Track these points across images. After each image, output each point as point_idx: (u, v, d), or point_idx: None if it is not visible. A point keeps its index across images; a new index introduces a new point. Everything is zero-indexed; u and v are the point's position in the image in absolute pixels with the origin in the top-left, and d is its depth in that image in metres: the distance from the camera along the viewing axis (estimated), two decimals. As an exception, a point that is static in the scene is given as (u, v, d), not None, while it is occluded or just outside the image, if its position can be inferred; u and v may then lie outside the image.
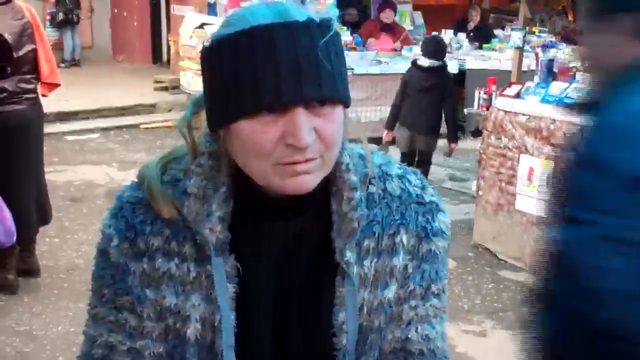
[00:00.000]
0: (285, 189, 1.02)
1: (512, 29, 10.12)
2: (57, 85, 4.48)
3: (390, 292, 1.14)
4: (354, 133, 1.15)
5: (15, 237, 3.88)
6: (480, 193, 5.29)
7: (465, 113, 6.87)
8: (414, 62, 6.30)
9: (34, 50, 4.21)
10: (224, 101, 1.00)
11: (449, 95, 6.13)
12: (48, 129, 8.68)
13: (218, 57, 1.00)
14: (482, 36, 10.35)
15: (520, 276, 4.92)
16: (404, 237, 1.14)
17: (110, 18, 14.40)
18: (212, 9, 10.06)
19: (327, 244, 1.11)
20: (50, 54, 4.39)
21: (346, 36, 9.55)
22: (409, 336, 1.17)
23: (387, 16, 9.54)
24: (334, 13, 1.02)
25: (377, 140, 8.57)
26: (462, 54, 9.61)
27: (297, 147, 0.97)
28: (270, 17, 0.98)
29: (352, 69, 8.49)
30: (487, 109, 5.55)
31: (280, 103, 0.96)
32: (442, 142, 8.84)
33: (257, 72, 0.96)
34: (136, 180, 1.14)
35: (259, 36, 0.96)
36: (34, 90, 4.29)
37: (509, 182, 5.01)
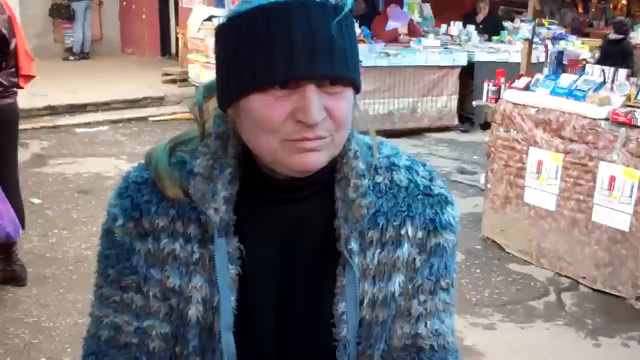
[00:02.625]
0: (292, 166, 1.01)
1: (521, 21, 10.12)
2: (33, 77, 4.51)
3: (395, 285, 1.13)
4: (363, 124, 1.15)
5: (21, 231, 3.89)
6: (489, 186, 5.27)
7: (474, 105, 6.83)
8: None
9: (16, 44, 4.24)
10: (237, 76, 1.00)
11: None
12: (58, 121, 8.75)
13: (234, 32, 1.00)
14: (491, 28, 10.31)
15: (529, 269, 4.92)
16: (409, 229, 1.12)
17: (119, 10, 14.41)
18: (220, 2, 10.07)
19: (331, 232, 1.10)
20: (26, 46, 4.43)
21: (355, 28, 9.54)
22: (419, 331, 1.16)
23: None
24: None
25: (384, 133, 8.57)
26: (470, 46, 9.58)
27: (307, 123, 0.97)
28: None
29: (361, 61, 8.43)
30: (496, 102, 5.52)
31: (293, 78, 0.97)
32: (450, 135, 8.86)
33: (272, 48, 0.96)
34: (143, 161, 1.15)
35: (276, 13, 0.97)
36: (17, 84, 4.33)
37: (518, 175, 4.99)
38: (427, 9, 11.31)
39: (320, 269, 1.11)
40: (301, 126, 0.98)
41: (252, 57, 0.98)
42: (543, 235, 4.90)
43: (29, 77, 4.45)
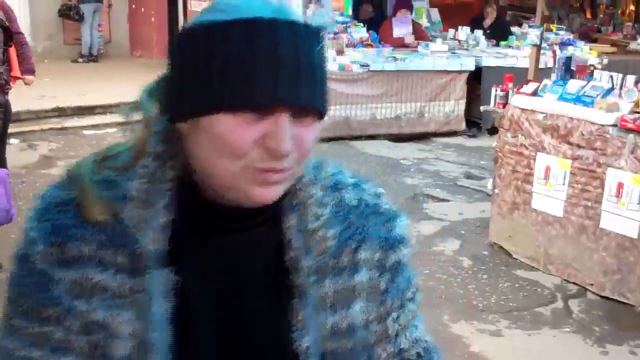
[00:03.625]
0: (250, 196, 0.94)
1: (529, 26, 10.10)
2: (19, 78, 4.53)
3: (356, 311, 1.08)
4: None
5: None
6: (496, 191, 5.26)
7: (482, 110, 6.81)
8: None
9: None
10: (205, 90, 0.91)
11: None
12: (66, 123, 8.77)
13: (206, 41, 0.91)
14: (498, 33, 10.29)
15: (536, 276, 4.90)
16: (366, 253, 1.08)
17: (128, 13, 14.44)
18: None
19: (281, 262, 1.03)
20: (14, 48, 4.44)
21: (362, 32, 9.55)
22: (402, 346, 1.15)
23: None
24: (328, 18, 0.98)
25: (391, 137, 8.58)
26: (478, 51, 9.57)
27: (277, 153, 0.91)
28: (270, 12, 0.92)
29: (368, 65, 8.49)
30: (504, 107, 5.51)
31: (275, 104, 0.90)
32: (458, 140, 8.84)
33: (255, 67, 0.88)
34: (64, 178, 1.03)
35: (262, 29, 0.89)
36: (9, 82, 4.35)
37: (525, 181, 4.98)
38: (435, 13, 11.30)
39: (272, 303, 1.04)
40: (269, 155, 0.91)
41: (228, 72, 0.89)
42: (550, 242, 4.89)
43: (16, 78, 4.48)
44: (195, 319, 1.01)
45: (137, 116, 1.01)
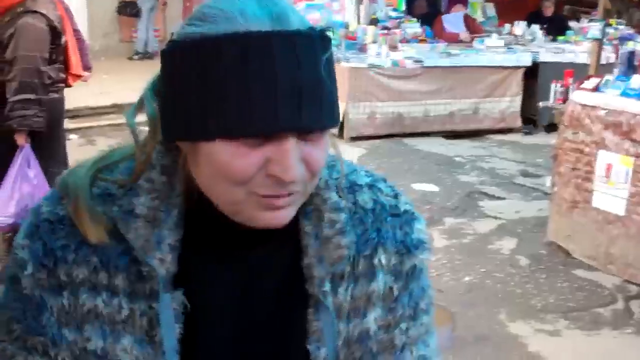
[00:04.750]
0: (257, 222, 0.88)
1: (590, 20, 9.88)
2: (80, 76, 4.56)
3: (371, 320, 1.01)
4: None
5: None
6: (555, 189, 5.16)
7: (540, 106, 6.69)
8: None
9: (66, 42, 4.30)
10: (200, 114, 0.83)
11: None
12: (123, 119, 8.89)
13: (198, 60, 0.82)
14: (556, 28, 10.11)
15: (595, 276, 4.79)
16: (382, 257, 1.01)
17: (183, 11, 14.60)
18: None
19: (297, 271, 0.96)
20: (75, 46, 4.47)
21: (416, 28, 9.48)
22: None
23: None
24: (328, 20, 0.91)
25: (445, 134, 8.50)
26: (535, 46, 9.41)
27: (284, 180, 0.83)
28: (266, 22, 0.82)
29: (422, 61, 8.42)
30: (564, 103, 5.40)
31: (274, 131, 0.81)
32: (513, 137, 8.72)
33: (251, 91, 0.80)
34: (57, 190, 0.94)
35: (255, 47, 0.80)
36: (65, 80, 4.38)
37: (586, 179, 4.87)
38: (491, 8, 11.16)
39: (286, 314, 0.98)
40: (274, 181, 0.84)
41: (222, 96, 0.81)
42: (611, 241, 4.77)
43: (77, 77, 4.52)
44: (207, 339, 0.95)
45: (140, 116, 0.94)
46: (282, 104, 0.80)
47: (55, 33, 4.16)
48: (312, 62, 0.82)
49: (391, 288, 1.02)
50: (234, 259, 0.95)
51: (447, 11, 9.83)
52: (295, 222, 0.95)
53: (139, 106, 0.94)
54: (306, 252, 0.96)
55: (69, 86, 4.50)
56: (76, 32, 5.20)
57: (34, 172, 4.01)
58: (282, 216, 0.88)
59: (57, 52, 4.20)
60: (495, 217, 5.86)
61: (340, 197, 0.98)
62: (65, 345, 0.92)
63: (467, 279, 4.69)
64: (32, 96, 3.98)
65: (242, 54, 0.80)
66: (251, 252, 0.96)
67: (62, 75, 4.31)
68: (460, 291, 4.51)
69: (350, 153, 7.15)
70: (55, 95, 4.23)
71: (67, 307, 0.91)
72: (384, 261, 1.01)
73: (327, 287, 0.96)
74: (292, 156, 0.82)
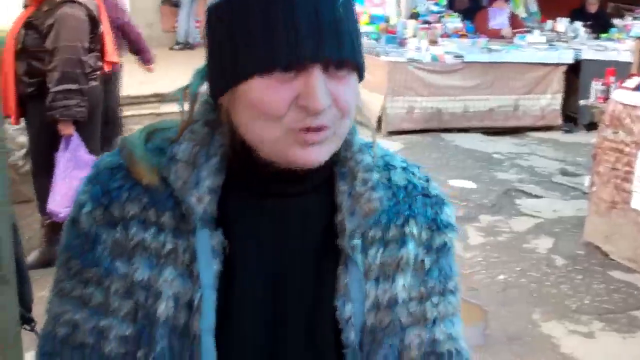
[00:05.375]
0: (293, 159, 0.94)
1: (634, 18, 9.73)
2: (115, 63, 4.61)
3: (400, 286, 1.06)
4: (363, 116, 1.06)
5: None
6: (594, 189, 5.10)
7: (581, 105, 6.61)
8: None
9: (102, 30, 4.36)
10: (235, 59, 0.93)
11: None
12: (163, 108, 9.00)
13: (229, 13, 0.93)
14: (599, 25, 9.96)
15: (633, 278, 4.73)
16: (414, 228, 1.07)
17: (223, 2, 14.69)
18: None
19: (330, 229, 1.03)
20: (110, 34, 4.54)
21: (457, 23, 9.41)
22: (436, 337, 1.10)
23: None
24: None
25: (483, 130, 8.44)
26: (577, 44, 9.29)
27: (312, 109, 0.90)
28: None
29: (462, 56, 8.36)
30: (605, 101, 5.34)
31: (298, 60, 0.90)
32: (553, 134, 8.62)
33: (274, 28, 0.90)
34: (117, 146, 1.06)
35: None
36: (102, 68, 4.43)
37: (625, 179, 4.81)
38: (533, 4, 11.02)
39: (319, 269, 1.03)
40: (305, 113, 0.91)
41: (251, 38, 0.91)
42: (650, 243, 4.71)
43: (111, 63, 4.58)
44: (242, 282, 1.00)
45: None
46: (304, 37, 0.89)
47: (94, 22, 4.22)
48: (329, 2, 0.91)
49: (422, 261, 1.08)
50: (272, 209, 1.02)
51: (489, 6, 9.73)
52: (332, 183, 1.04)
53: (186, 87, 1.04)
54: (340, 208, 1.03)
55: (105, 74, 4.57)
56: (128, 25, 5.32)
57: (88, 158, 4.08)
58: (316, 153, 0.94)
59: (95, 40, 4.27)
60: (533, 216, 5.82)
61: (372, 162, 1.05)
62: (117, 277, 1.00)
63: (501, 277, 4.67)
64: (74, 86, 4.05)
65: (267, 1, 0.90)
66: (289, 203, 1.03)
67: (100, 64, 4.37)
68: (495, 289, 4.49)
69: (388, 147, 7.11)
70: (94, 84, 4.30)
71: (119, 239, 0.99)
72: (415, 232, 1.07)
73: (358, 242, 1.02)
74: (317, 85, 0.90)
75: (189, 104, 1.02)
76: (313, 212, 1.04)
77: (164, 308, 0.98)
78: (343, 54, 0.92)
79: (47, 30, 4.04)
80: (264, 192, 1.02)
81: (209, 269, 0.97)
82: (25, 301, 2.06)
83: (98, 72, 4.35)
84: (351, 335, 1.01)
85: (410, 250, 1.06)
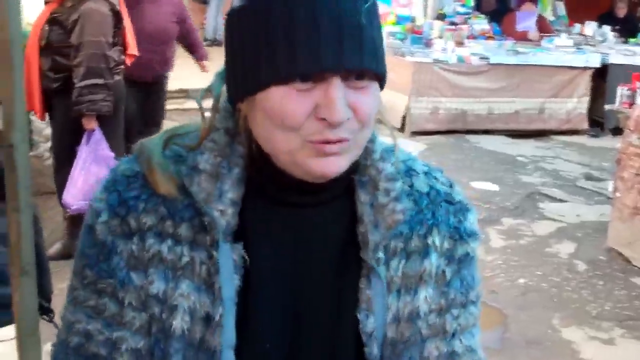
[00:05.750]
0: (311, 170, 0.91)
1: (663, 23, 9.61)
2: (135, 56, 4.64)
3: (422, 299, 1.03)
4: (384, 121, 1.04)
5: None
6: (617, 195, 5.06)
7: (606, 110, 6.55)
8: None
9: (123, 25, 4.39)
10: (254, 66, 0.90)
11: None
12: (189, 104, 9.06)
13: (250, 18, 0.90)
14: (628, 30, 9.86)
15: (656, 285, 4.69)
16: (436, 239, 1.04)
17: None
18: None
19: (351, 240, 1.00)
20: (131, 27, 4.55)
21: (483, 24, 9.37)
22: (455, 349, 1.07)
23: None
24: None
25: (508, 133, 8.39)
26: (605, 48, 9.20)
27: (331, 122, 0.88)
28: None
29: (488, 58, 8.32)
30: (630, 107, 5.29)
31: (317, 70, 0.87)
32: (579, 139, 8.56)
33: (295, 35, 0.86)
34: (134, 152, 1.03)
35: None
36: (124, 62, 4.46)
37: (650, 186, 4.76)
38: (561, 7, 10.94)
39: (340, 281, 1.00)
40: (323, 125, 0.89)
41: (272, 45, 0.88)
42: (673, 251, 4.66)
43: (133, 56, 4.61)
44: (262, 295, 0.98)
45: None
46: (324, 46, 0.86)
47: (117, 16, 4.25)
48: (352, 9, 0.88)
49: (444, 271, 1.05)
50: (290, 219, 1.00)
51: (517, 8, 9.67)
52: (351, 192, 1.01)
53: (209, 90, 1.02)
54: (361, 220, 1.00)
55: (126, 66, 4.61)
56: (188, 21, 5.43)
57: (109, 154, 4.12)
58: (335, 165, 0.92)
59: (118, 34, 4.30)
60: (555, 220, 5.78)
61: (394, 170, 1.02)
62: (132, 288, 0.98)
63: (522, 281, 4.64)
64: (100, 81, 4.09)
65: (288, 6, 0.87)
66: (307, 213, 1.00)
67: (123, 57, 4.41)
68: (515, 293, 4.47)
69: (411, 148, 7.12)
70: (118, 78, 4.34)
71: (135, 251, 0.97)
72: (437, 242, 1.04)
73: (381, 254, 0.99)
74: (337, 97, 0.87)
75: (212, 109, 1.00)
76: (332, 222, 1.02)
77: (179, 322, 0.96)
78: (365, 64, 0.89)
79: (72, 25, 4.08)
80: (282, 202, 0.99)
81: (230, 283, 0.95)
82: (44, 292, 2.09)
83: (122, 66, 4.39)
84: (374, 350, 0.99)
85: (433, 262, 1.04)
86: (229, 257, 0.95)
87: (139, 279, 0.98)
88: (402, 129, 7.95)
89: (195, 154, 0.98)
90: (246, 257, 0.96)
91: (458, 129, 8.24)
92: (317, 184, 0.95)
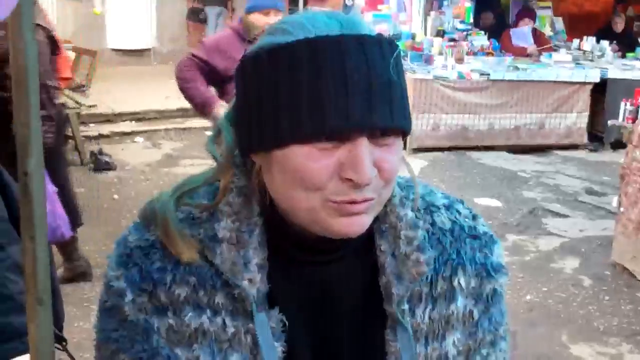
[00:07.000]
0: (334, 230, 0.87)
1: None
2: (68, 79, 4.63)
3: (450, 344, 0.99)
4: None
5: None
6: (622, 210, 5.06)
7: (609, 124, 6.56)
8: None
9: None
10: (273, 122, 0.84)
11: None
12: (188, 123, 9.06)
13: (271, 69, 0.85)
14: (626, 44, 9.90)
15: (662, 300, 4.68)
16: (462, 279, 0.99)
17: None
18: (348, 11, 10.15)
19: (373, 290, 0.96)
20: (63, 51, 4.57)
21: (483, 40, 9.40)
22: None
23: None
24: (395, 30, 0.92)
25: (509, 148, 8.40)
26: (604, 62, 9.24)
27: (358, 184, 0.83)
28: (336, 27, 0.85)
29: (488, 74, 8.35)
30: (634, 122, 5.30)
31: (347, 129, 0.82)
32: (579, 153, 8.57)
33: (322, 90, 0.81)
34: (141, 219, 0.96)
35: (327, 48, 0.82)
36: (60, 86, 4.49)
37: (654, 200, 4.76)
38: (560, 22, 10.99)
39: (365, 335, 0.97)
40: (348, 186, 0.84)
41: (295, 100, 0.82)
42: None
43: (66, 79, 4.59)
44: (299, 357, 0.95)
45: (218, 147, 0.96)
46: (353, 103, 0.81)
47: (53, 43, 4.19)
48: (381, 63, 0.84)
49: (471, 312, 1.01)
50: (315, 277, 0.96)
51: (515, 24, 9.71)
52: (371, 240, 0.96)
53: (217, 134, 0.96)
54: (383, 270, 0.96)
55: (60, 90, 4.58)
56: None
57: (51, 188, 4.05)
58: (358, 223, 0.87)
59: (53, 61, 4.23)
60: (559, 235, 5.78)
61: (416, 216, 0.98)
62: None
63: (528, 297, 4.63)
64: (42, 112, 4.03)
65: (313, 56, 0.82)
66: (328, 269, 0.96)
67: (57, 83, 4.35)
68: (521, 310, 4.46)
69: (412, 164, 7.09)
70: (57, 102, 4.28)
71: (174, 326, 0.92)
72: (463, 284, 1.00)
73: (406, 306, 0.95)
74: (365, 158, 0.83)
75: (224, 162, 0.94)
76: (353, 274, 0.98)
77: None
78: (395, 122, 0.85)
79: (5, 56, 4.00)
80: (301, 261, 0.96)
81: (272, 351, 0.91)
82: (57, 319, 2.07)
83: (57, 91, 4.35)
84: None
85: (459, 305, 1.00)
86: (266, 325, 0.91)
87: (185, 353, 0.92)
88: (403, 146, 7.92)
89: (212, 220, 0.93)
90: (285, 321, 0.92)
91: (459, 145, 8.24)
92: (336, 241, 0.91)
